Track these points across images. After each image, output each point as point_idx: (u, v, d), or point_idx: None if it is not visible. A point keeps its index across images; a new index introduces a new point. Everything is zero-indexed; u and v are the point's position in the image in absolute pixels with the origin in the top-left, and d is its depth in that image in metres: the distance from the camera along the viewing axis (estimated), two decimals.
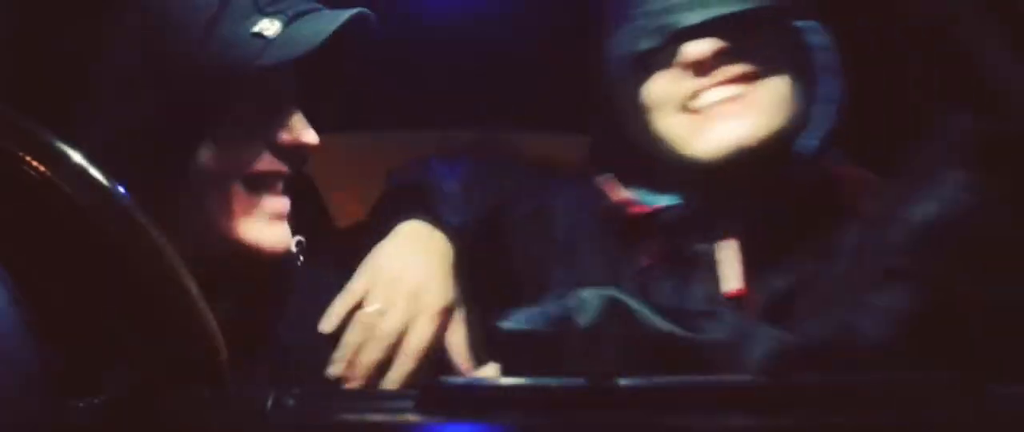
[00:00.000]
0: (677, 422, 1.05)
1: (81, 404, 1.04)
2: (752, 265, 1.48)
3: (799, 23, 1.46)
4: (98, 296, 1.10)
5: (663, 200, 1.51)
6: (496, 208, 1.60)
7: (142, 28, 1.30)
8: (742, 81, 1.44)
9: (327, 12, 1.36)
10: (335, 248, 1.60)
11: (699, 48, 1.42)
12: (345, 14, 1.35)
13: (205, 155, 1.30)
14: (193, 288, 1.12)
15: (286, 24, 1.32)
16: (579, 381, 1.05)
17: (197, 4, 1.31)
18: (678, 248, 1.51)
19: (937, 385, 1.05)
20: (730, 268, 1.48)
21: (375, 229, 1.54)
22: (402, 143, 1.93)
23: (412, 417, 1.04)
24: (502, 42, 1.89)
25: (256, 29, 1.30)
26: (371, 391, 1.39)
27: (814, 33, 1.46)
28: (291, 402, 1.05)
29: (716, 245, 1.49)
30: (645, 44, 1.46)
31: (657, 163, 1.51)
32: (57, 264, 1.08)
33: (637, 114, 1.50)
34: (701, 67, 1.44)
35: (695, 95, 1.45)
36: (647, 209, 1.52)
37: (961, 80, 1.50)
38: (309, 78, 1.41)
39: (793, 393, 1.08)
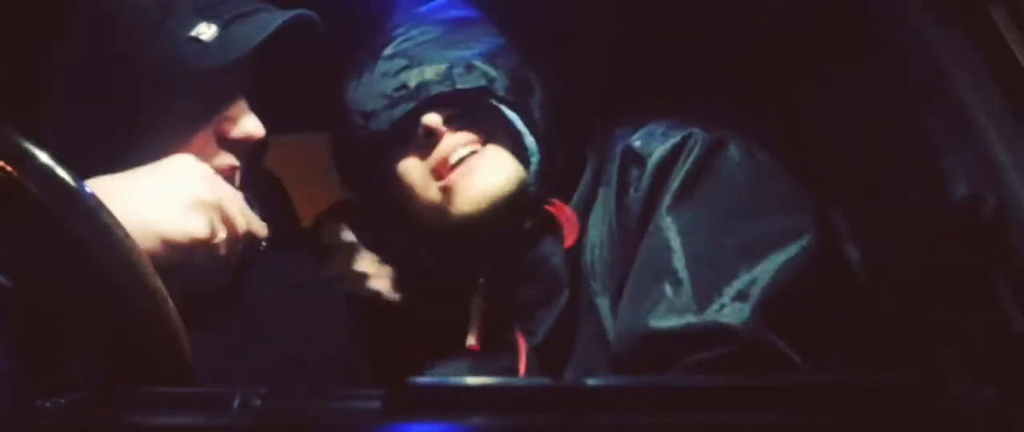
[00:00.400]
0: (642, 421, 1.05)
1: (47, 404, 1.03)
2: (504, 316, 1.58)
3: (485, 93, 1.55)
4: (64, 295, 1.09)
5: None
6: None
7: (89, 26, 1.33)
8: (474, 144, 1.54)
9: (265, 15, 1.38)
10: (301, 244, 1.61)
11: (431, 120, 1.52)
12: (280, 18, 1.37)
13: (153, 151, 1.32)
14: (160, 287, 1.12)
15: (223, 28, 1.34)
16: (546, 381, 1.05)
17: (142, 6, 1.33)
18: (447, 313, 1.62)
19: (902, 385, 1.06)
20: (474, 322, 1.60)
21: None
22: None
23: (379, 417, 1.04)
24: None
25: (193, 33, 1.33)
26: (338, 390, 1.39)
27: (499, 99, 1.55)
28: (258, 402, 1.05)
29: (472, 302, 1.61)
30: (358, 151, 1.58)
31: (415, 236, 1.62)
32: (22, 263, 1.08)
33: (390, 193, 1.60)
34: (434, 138, 1.53)
35: (434, 167, 1.54)
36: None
37: None
38: (281, 73, 1.43)
39: (758, 392, 1.08)
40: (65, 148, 1.10)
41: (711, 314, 1.35)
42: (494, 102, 1.54)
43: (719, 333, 1.33)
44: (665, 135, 1.50)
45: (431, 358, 1.59)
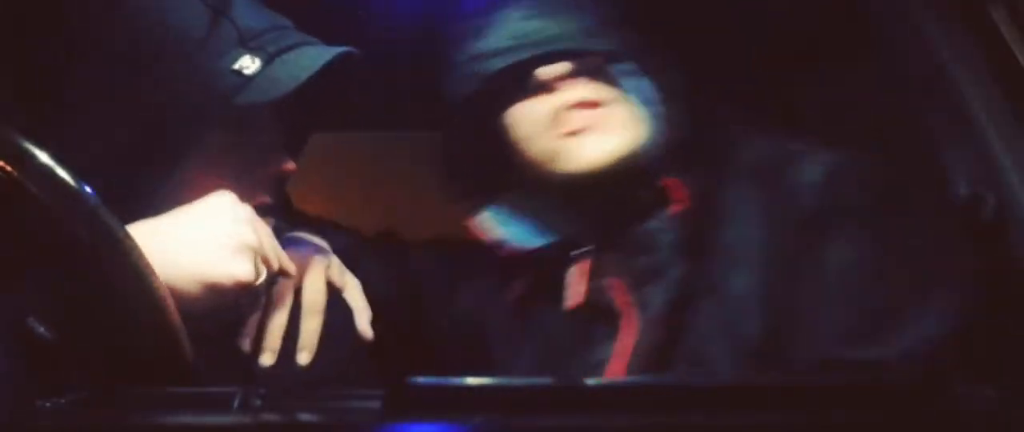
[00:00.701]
0: (642, 421, 1.05)
1: (47, 404, 1.03)
2: (612, 278, 1.55)
3: (609, 58, 1.54)
4: (65, 296, 1.09)
5: (530, 239, 1.60)
6: None
7: (129, 48, 1.28)
8: (593, 102, 1.52)
9: (310, 49, 1.34)
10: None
11: (554, 70, 1.52)
12: (326, 55, 1.33)
13: (184, 181, 1.29)
14: (161, 287, 1.11)
15: (266, 62, 1.30)
16: (546, 381, 1.05)
17: (184, 30, 1.29)
18: (544, 278, 1.60)
19: (902, 385, 1.07)
20: (576, 285, 1.57)
21: None
22: (387, 142, 1.95)
23: (379, 416, 1.04)
24: None
25: (236, 66, 1.29)
26: (338, 390, 1.39)
27: (623, 65, 1.54)
28: (258, 401, 1.05)
29: (573, 266, 1.58)
30: (467, 88, 1.55)
31: (522, 186, 1.60)
32: (23, 264, 1.08)
33: (503, 143, 1.58)
34: (555, 88, 1.52)
35: (556, 115, 1.52)
36: (519, 250, 1.61)
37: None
38: (317, 104, 1.41)
39: (758, 393, 1.08)
40: (90, 172, 1.08)
41: (893, 347, 1.36)
42: (614, 68, 1.53)
43: (903, 364, 1.35)
44: (819, 151, 1.49)
45: (525, 321, 1.60)
